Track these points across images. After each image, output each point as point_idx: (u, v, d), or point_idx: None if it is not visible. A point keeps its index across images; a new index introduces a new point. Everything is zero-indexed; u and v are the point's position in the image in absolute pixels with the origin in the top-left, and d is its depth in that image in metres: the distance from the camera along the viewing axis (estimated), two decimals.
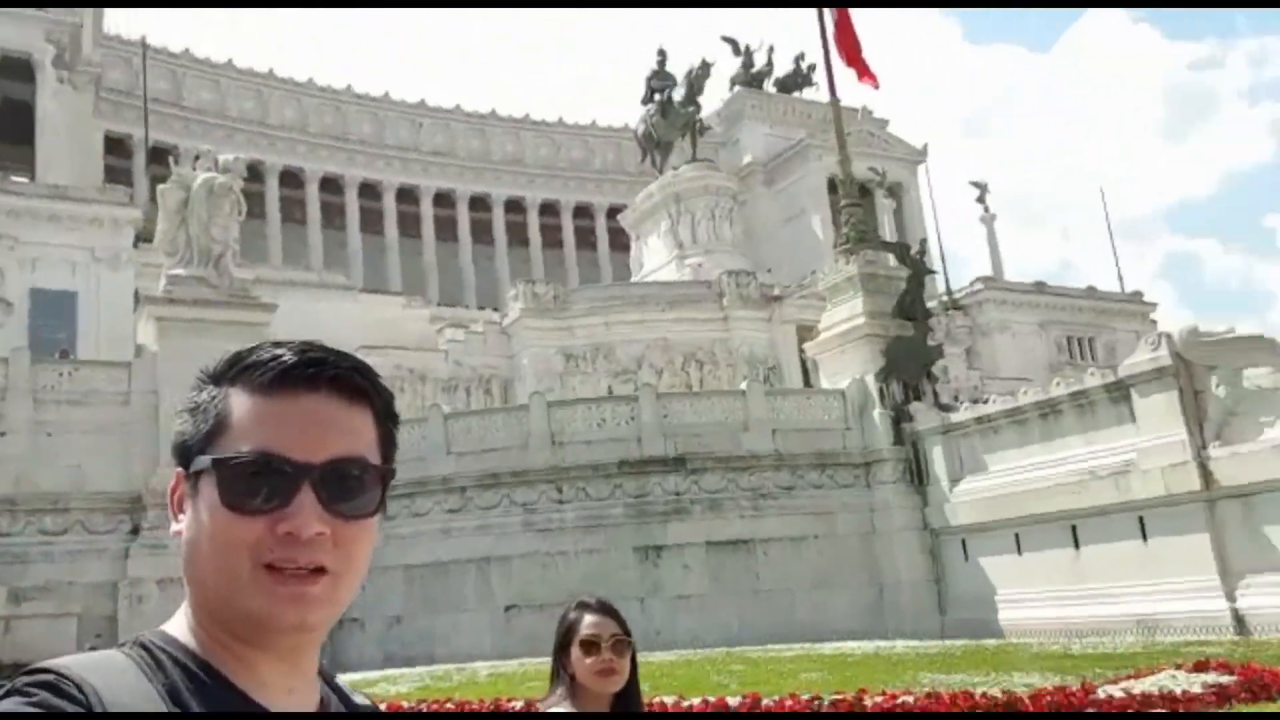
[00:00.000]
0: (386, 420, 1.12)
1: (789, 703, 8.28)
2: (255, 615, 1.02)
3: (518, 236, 59.87)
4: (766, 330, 36.33)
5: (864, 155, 51.67)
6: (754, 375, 29.60)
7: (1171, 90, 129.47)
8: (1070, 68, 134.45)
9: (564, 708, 2.72)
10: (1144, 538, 15.91)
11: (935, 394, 21.96)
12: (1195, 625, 14.69)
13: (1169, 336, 16.77)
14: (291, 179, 54.77)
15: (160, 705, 0.96)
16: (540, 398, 21.77)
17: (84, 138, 45.37)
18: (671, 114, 42.92)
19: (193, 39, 54.75)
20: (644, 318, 35.45)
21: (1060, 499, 17.00)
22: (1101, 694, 7.84)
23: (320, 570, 1.03)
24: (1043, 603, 16.91)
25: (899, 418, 20.57)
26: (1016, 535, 17.78)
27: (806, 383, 30.41)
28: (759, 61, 60.01)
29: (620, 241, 51.72)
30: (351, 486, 1.05)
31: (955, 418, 19.72)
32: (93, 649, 1.10)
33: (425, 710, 9.77)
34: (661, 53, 44.49)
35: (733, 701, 8.32)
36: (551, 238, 60.70)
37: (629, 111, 50.64)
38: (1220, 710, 7.54)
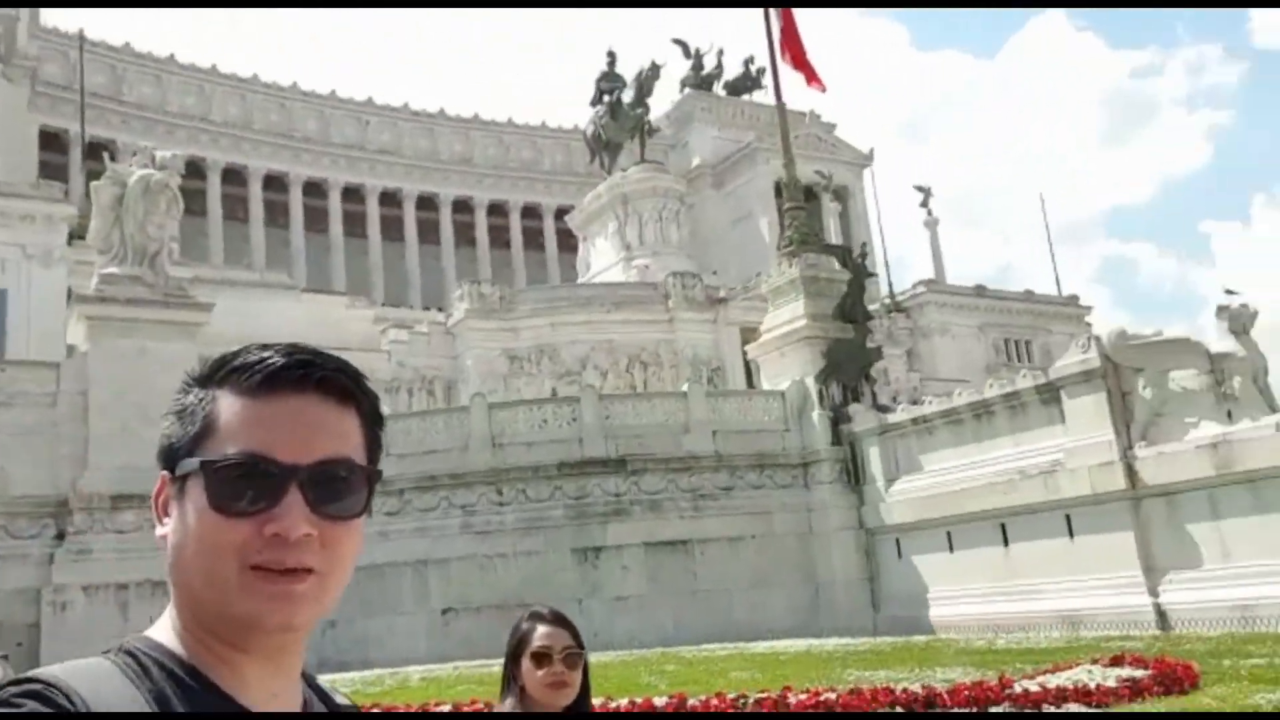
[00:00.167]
0: (373, 422, 1.13)
1: (714, 702, 8.33)
2: (242, 616, 1.02)
3: (465, 237, 59.51)
4: (711, 332, 36.50)
5: (811, 159, 52.16)
6: (697, 377, 29.74)
7: (1112, 97, 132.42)
8: (1014, 74, 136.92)
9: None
10: (1071, 535, 16.25)
11: (874, 395, 22.25)
12: (1119, 621, 15.03)
13: (1098, 339, 17.14)
14: (234, 176, 53.93)
15: (146, 711, 0.96)
16: (481, 399, 21.68)
17: (18, 132, 44.31)
18: (620, 115, 42.93)
19: (133, 34, 53.51)
20: (590, 319, 35.43)
21: (991, 498, 17.31)
22: (1018, 688, 8.00)
23: (307, 571, 1.03)
24: (973, 599, 17.20)
25: (837, 419, 20.80)
26: (949, 534, 18.07)
27: (750, 384, 30.57)
28: (709, 64, 60.28)
29: (569, 243, 51.65)
30: (339, 488, 1.05)
31: (892, 419, 19.98)
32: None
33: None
34: (611, 54, 44.51)
35: (659, 702, 8.35)
36: (499, 238, 60.44)
37: (578, 112, 50.70)
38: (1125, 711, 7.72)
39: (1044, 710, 7.48)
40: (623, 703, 8.63)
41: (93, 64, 47.11)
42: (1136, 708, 7.35)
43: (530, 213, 61.54)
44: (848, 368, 21.74)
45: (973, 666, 10.31)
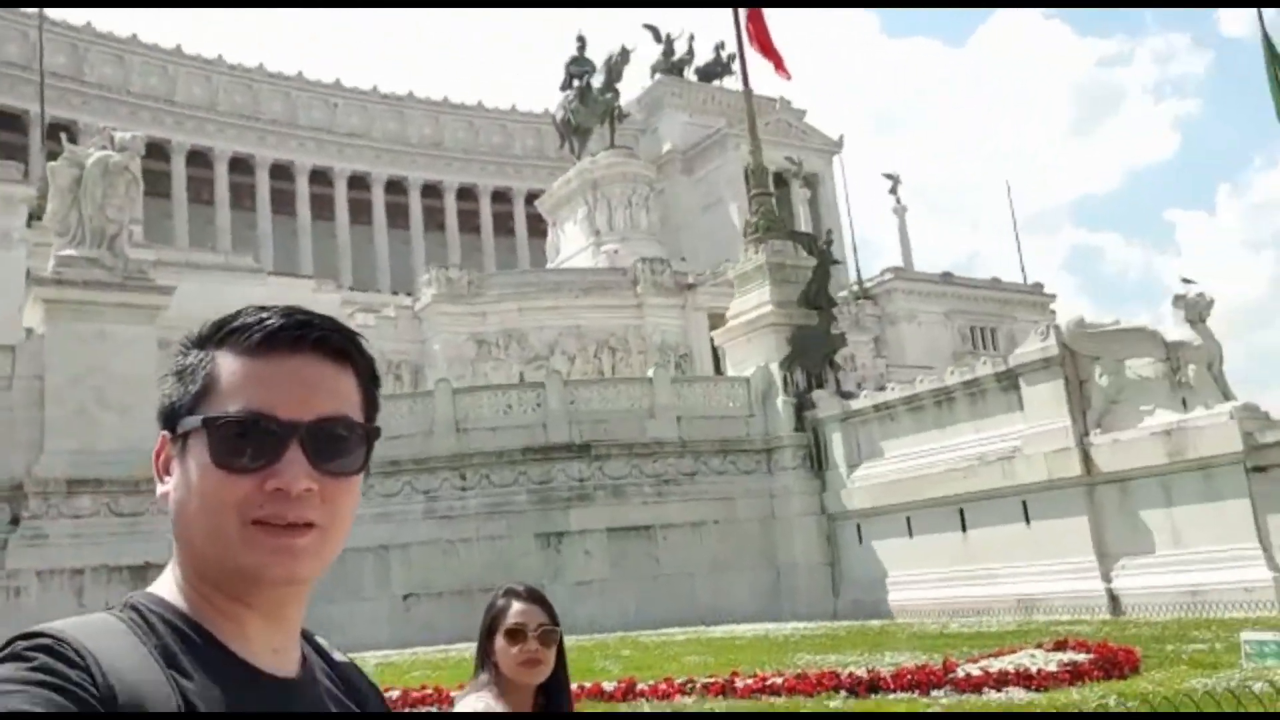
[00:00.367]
0: (369, 382, 1.16)
1: (663, 686, 8.38)
2: (245, 570, 1.04)
3: (434, 221, 59.18)
4: (680, 318, 36.53)
5: (781, 145, 52.20)
6: (665, 363, 29.76)
7: (1080, 86, 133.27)
8: (984, 62, 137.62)
9: (486, 696, 2.62)
10: (1028, 521, 16.44)
11: (838, 382, 22.37)
12: (1073, 605, 15.24)
13: (1057, 328, 17.32)
14: (199, 159, 53.29)
15: (154, 667, 0.98)
16: (446, 384, 21.61)
17: None
18: (590, 100, 42.75)
19: (95, 14, 52.59)
20: (558, 304, 35.37)
21: (950, 483, 17.47)
22: (960, 672, 8.10)
23: (309, 525, 1.05)
24: (931, 584, 17.38)
25: (801, 405, 20.90)
26: (909, 519, 18.23)
27: (718, 370, 30.65)
28: (679, 49, 60.13)
29: (539, 227, 51.44)
30: (338, 445, 1.08)
31: (855, 405, 20.10)
32: None
33: None
34: (581, 39, 44.24)
35: (608, 687, 8.39)
36: (469, 222, 60.13)
37: (549, 97, 50.43)
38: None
39: (984, 694, 7.57)
40: (572, 688, 8.65)
41: (53, 44, 46.37)
42: (1075, 692, 7.46)
43: (500, 197, 61.27)
44: (812, 354, 21.84)
45: (922, 650, 10.43)
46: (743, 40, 26.71)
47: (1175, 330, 16.22)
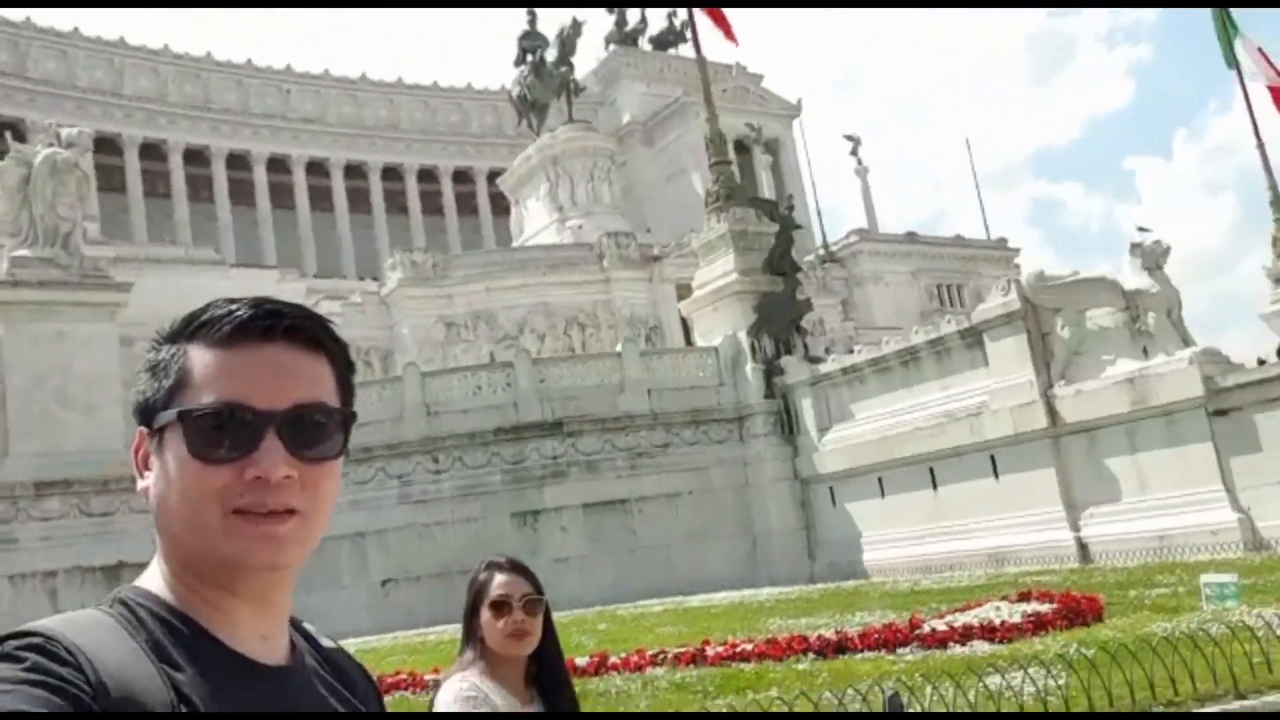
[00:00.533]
0: (344, 368, 1.16)
1: (635, 659, 8.45)
2: (228, 559, 1.05)
3: (397, 204, 58.62)
4: (648, 290, 36.48)
5: (740, 111, 52.04)
6: (635, 336, 29.80)
7: (1033, 37, 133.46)
8: (939, 16, 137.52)
9: (474, 673, 2.57)
10: (996, 475, 16.64)
11: (805, 347, 22.46)
12: (1043, 556, 15.48)
13: (1018, 282, 17.46)
14: (153, 152, 52.44)
15: (145, 661, 0.98)
16: (415, 368, 21.53)
17: None
18: (545, 75, 42.35)
19: (35, 10, 51.40)
20: (525, 282, 35.21)
21: (920, 442, 17.64)
22: (926, 628, 8.22)
23: (290, 511, 1.06)
24: (904, 542, 17.59)
25: (770, 372, 20.98)
26: (880, 479, 18.40)
27: (688, 341, 30.68)
28: (632, 19, 59.66)
29: (502, 206, 51.10)
30: (316, 432, 1.08)
31: (824, 369, 20.21)
32: None
33: None
34: (531, 11, 43.70)
35: (580, 662, 8.45)
36: (431, 204, 59.61)
37: (505, 73, 49.94)
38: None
39: (949, 648, 7.69)
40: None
41: None
42: (1039, 642, 7.59)
43: (462, 177, 60.75)
44: (778, 320, 21.90)
45: (892, 609, 10.56)
46: (693, 7, 26.57)
47: (1134, 279, 16.40)
